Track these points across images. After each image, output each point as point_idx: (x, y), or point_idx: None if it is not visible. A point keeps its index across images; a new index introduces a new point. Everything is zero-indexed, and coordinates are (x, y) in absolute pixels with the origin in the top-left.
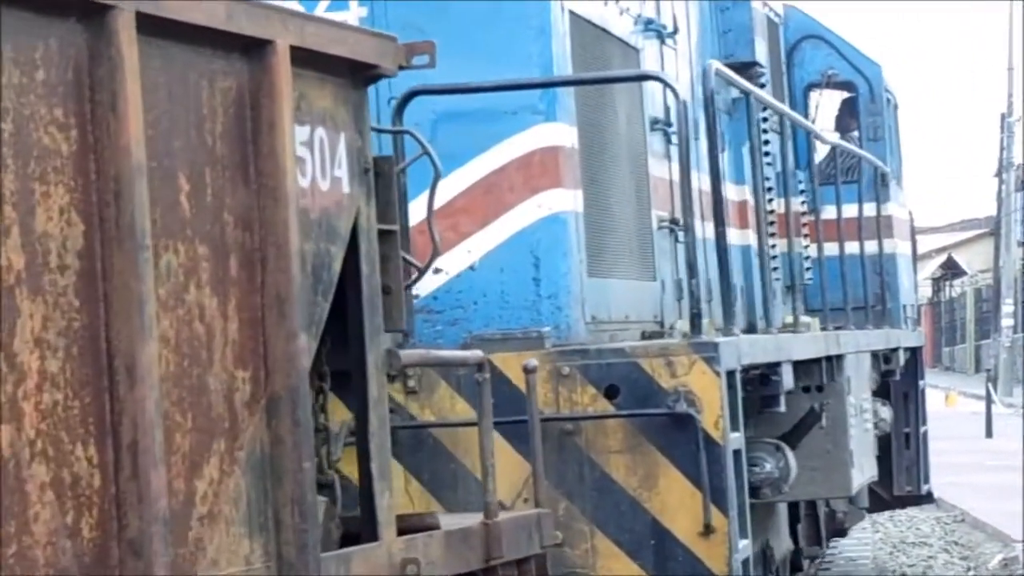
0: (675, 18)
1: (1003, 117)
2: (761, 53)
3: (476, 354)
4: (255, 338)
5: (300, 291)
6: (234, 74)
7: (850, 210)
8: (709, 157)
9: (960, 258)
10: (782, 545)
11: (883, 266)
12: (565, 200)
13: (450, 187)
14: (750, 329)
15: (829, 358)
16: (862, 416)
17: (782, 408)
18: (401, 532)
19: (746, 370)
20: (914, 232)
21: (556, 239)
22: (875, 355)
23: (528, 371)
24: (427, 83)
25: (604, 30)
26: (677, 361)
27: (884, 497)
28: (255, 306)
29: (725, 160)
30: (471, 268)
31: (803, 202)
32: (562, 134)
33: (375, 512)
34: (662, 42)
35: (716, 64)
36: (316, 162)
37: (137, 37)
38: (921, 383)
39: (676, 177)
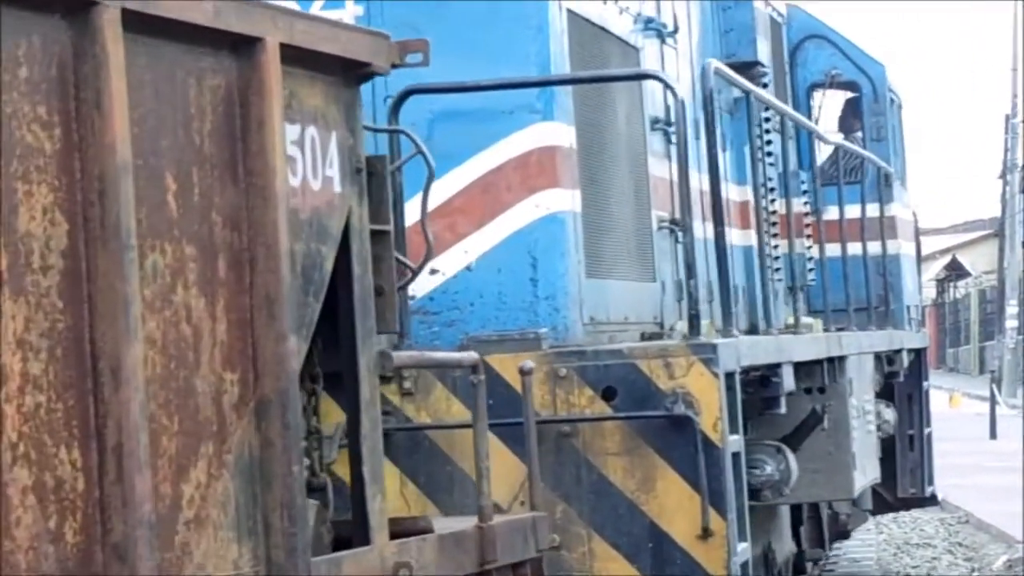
0: (675, 17)
1: (1007, 119)
2: (763, 53)
3: (471, 356)
4: (244, 340)
5: (290, 292)
6: (223, 72)
7: (853, 211)
8: (708, 157)
9: (964, 259)
10: (784, 548)
11: (886, 267)
12: (563, 200)
13: (447, 187)
14: (752, 330)
15: (831, 359)
16: (865, 418)
17: (782, 410)
18: (394, 536)
19: (746, 371)
20: (918, 233)
21: (554, 239)
22: (878, 356)
23: (524, 373)
24: (424, 82)
25: (603, 29)
26: (675, 362)
27: (888, 499)
28: (244, 307)
29: (727, 160)
30: (468, 269)
31: (806, 203)
32: (560, 133)
33: (367, 516)
34: (662, 41)
35: (715, 63)
36: (307, 161)
37: (123, 34)
38: (925, 384)
39: (676, 177)
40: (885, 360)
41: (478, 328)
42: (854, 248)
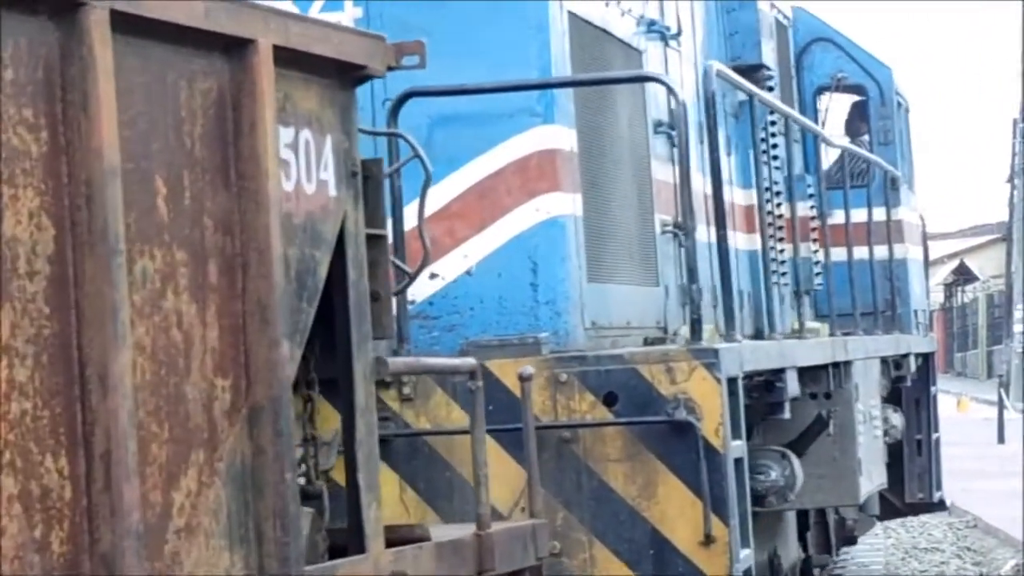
0: (679, 20)
1: (1015, 123)
2: (769, 55)
3: (468, 362)
4: (236, 346)
5: (283, 297)
6: (215, 74)
7: (860, 214)
8: (710, 160)
9: (972, 264)
10: (790, 554)
11: (893, 271)
12: (564, 204)
13: (446, 191)
14: (758, 335)
15: (836, 364)
16: (871, 423)
17: (786, 415)
18: (391, 544)
19: (749, 377)
20: (926, 237)
21: (554, 244)
22: (885, 361)
23: (523, 379)
24: (423, 85)
25: (605, 31)
26: (677, 367)
27: (896, 504)
28: (236, 313)
29: (732, 164)
30: (468, 273)
31: (812, 206)
32: (560, 137)
33: (362, 523)
34: (666, 44)
35: (717, 65)
36: (301, 165)
37: (112, 36)
38: (933, 389)
39: (678, 180)
40: (892, 365)
41: (478, 333)
42: (861, 252)
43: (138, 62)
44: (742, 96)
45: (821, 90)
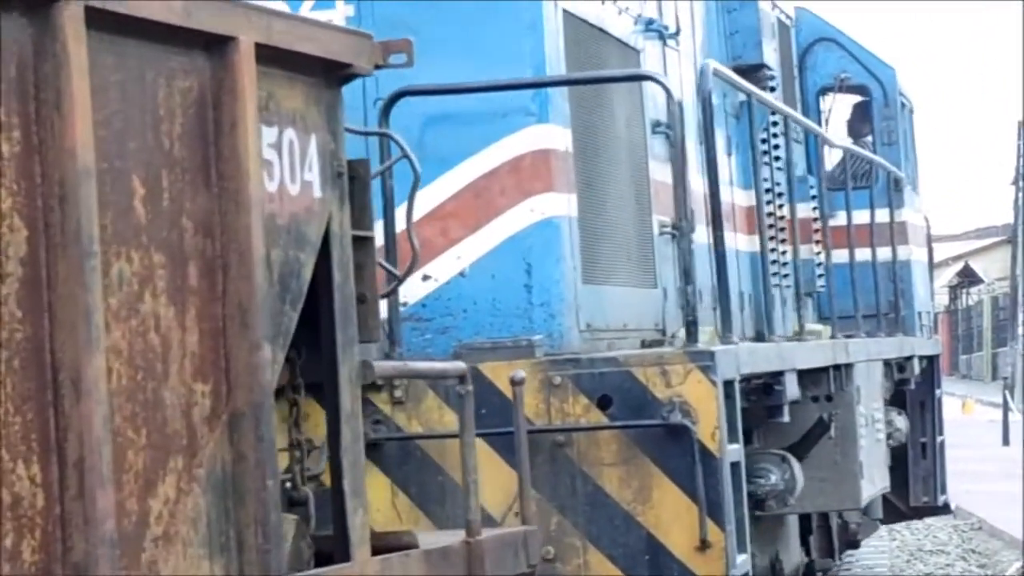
0: (678, 19)
1: (1020, 125)
2: (770, 55)
3: (457, 365)
4: (216, 350)
5: (264, 300)
6: (195, 72)
7: (863, 216)
8: (707, 160)
9: (977, 266)
10: (792, 558)
11: (897, 273)
12: (558, 204)
13: (439, 191)
14: (760, 337)
15: (838, 367)
16: (873, 426)
17: (785, 418)
18: (379, 551)
19: (748, 379)
20: (930, 239)
21: (549, 245)
22: (888, 364)
23: (515, 383)
24: (416, 84)
25: (601, 30)
26: (672, 370)
27: (900, 508)
28: (216, 316)
29: (733, 165)
30: (461, 275)
31: (814, 208)
32: (555, 136)
33: (347, 530)
34: (664, 43)
35: (714, 64)
36: (285, 165)
37: (87, 33)
38: (938, 392)
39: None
40: (896, 367)
41: (472, 335)
42: (864, 254)
43: (114, 59)
44: (743, 96)
45: (824, 90)
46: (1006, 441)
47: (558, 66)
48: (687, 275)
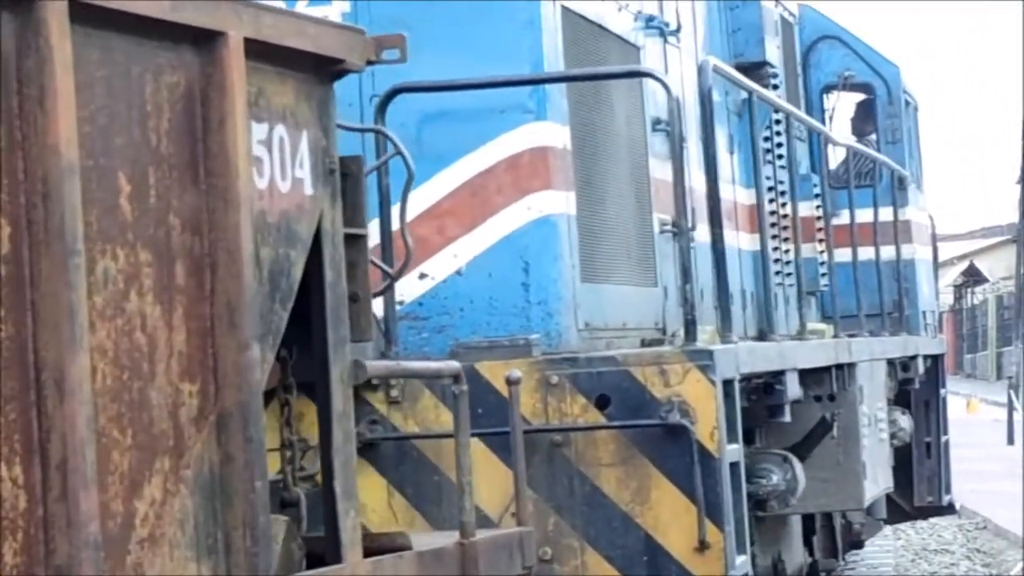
0: (679, 15)
1: None
2: (772, 53)
3: (452, 365)
4: (204, 349)
5: (253, 299)
6: (183, 68)
7: (867, 214)
8: (705, 157)
9: (982, 265)
10: (795, 558)
11: (901, 271)
12: (556, 202)
13: (436, 189)
14: (762, 336)
15: (840, 366)
16: (876, 426)
17: (787, 418)
18: (372, 553)
19: (748, 379)
20: (935, 238)
21: (546, 243)
22: (892, 363)
23: (511, 383)
24: (413, 81)
25: (600, 26)
26: (670, 370)
27: (905, 508)
28: (204, 315)
29: (736, 163)
30: (458, 273)
31: (818, 206)
32: (553, 133)
33: (339, 532)
34: (665, 40)
35: (713, 60)
36: (275, 162)
37: (72, 28)
38: (942, 391)
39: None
40: (899, 367)
41: (469, 334)
42: (868, 252)
43: (99, 54)
44: (746, 94)
45: (828, 88)
46: (1011, 440)
47: (556, 63)
48: (686, 273)
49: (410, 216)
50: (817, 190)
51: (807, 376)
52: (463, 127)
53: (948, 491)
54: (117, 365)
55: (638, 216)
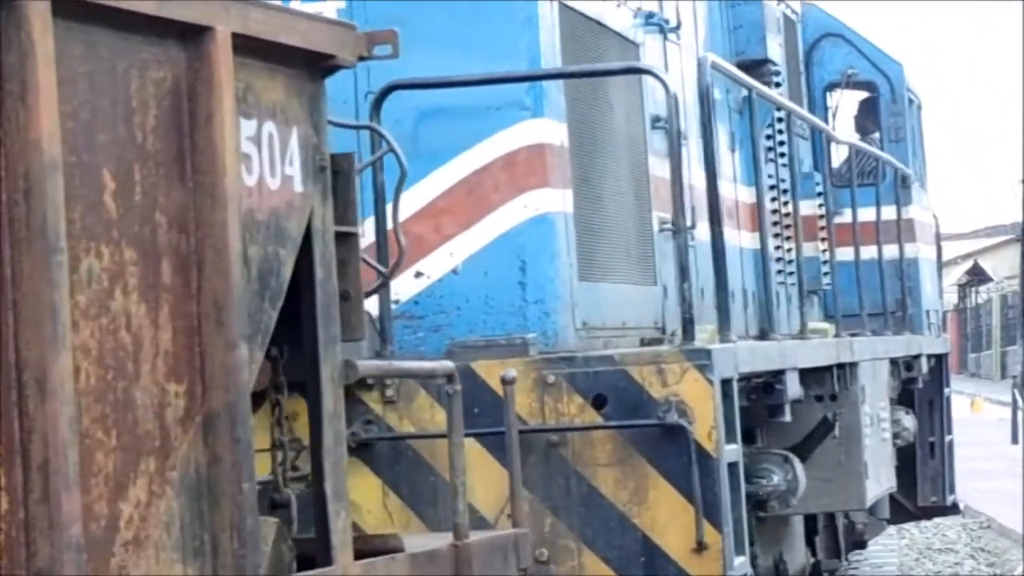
0: (679, 12)
1: None
2: (774, 51)
3: (445, 365)
4: (190, 349)
5: (241, 298)
6: (169, 63)
7: (870, 213)
8: (704, 155)
9: (986, 264)
10: (796, 559)
11: (904, 271)
12: (553, 200)
13: (432, 187)
14: (764, 336)
15: (842, 366)
16: (879, 425)
17: (787, 418)
18: (364, 555)
19: (747, 378)
20: (939, 237)
21: (543, 241)
22: (895, 362)
23: (506, 382)
24: (409, 77)
25: (599, 23)
26: (668, 369)
27: (909, 508)
28: (191, 314)
29: (737, 161)
30: (454, 272)
31: (820, 204)
32: (550, 131)
33: (329, 534)
34: (664, 37)
35: (712, 57)
36: (264, 159)
37: (55, 22)
38: (946, 391)
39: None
40: (903, 366)
41: (465, 333)
42: (871, 251)
43: (83, 49)
44: (747, 92)
45: (831, 87)
46: (1015, 439)
47: (554, 60)
48: (683, 272)
49: (406, 214)
50: (820, 188)
51: (808, 375)
52: (459, 124)
53: (952, 491)
54: (101, 365)
55: (637, 214)
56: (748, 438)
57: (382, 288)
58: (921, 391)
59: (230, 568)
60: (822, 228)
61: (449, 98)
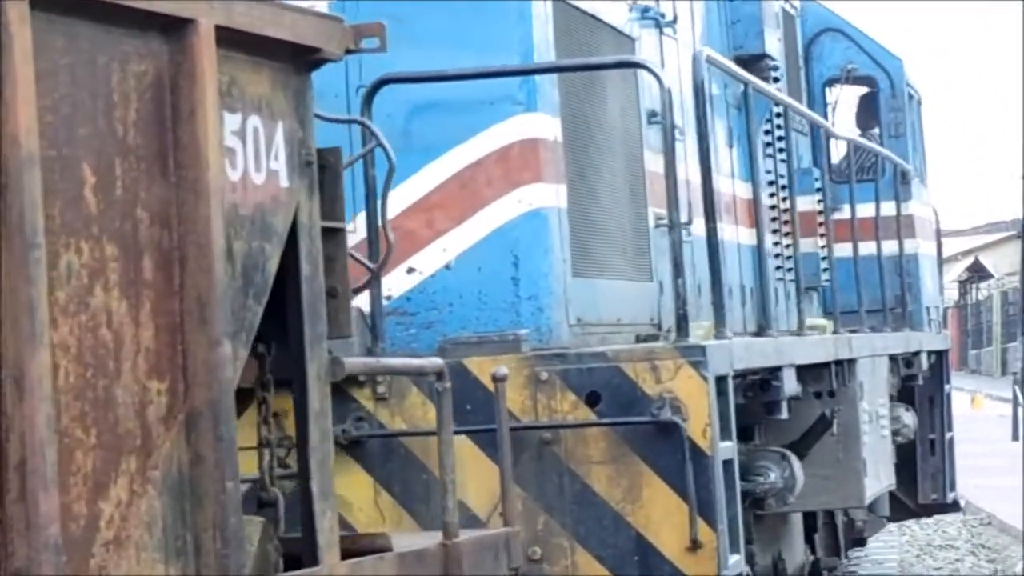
0: (675, 6)
1: None
2: (773, 45)
3: (434, 362)
4: (173, 346)
5: (225, 294)
6: (151, 56)
7: (869, 209)
8: (699, 150)
9: (986, 261)
10: (795, 556)
11: (903, 267)
12: (547, 195)
13: (424, 181)
14: (761, 332)
15: (840, 362)
16: (878, 423)
17: (784, 415)
18: (352, 554)
19: (743, 375)
20: (939, 233)
21: (537, 236)
22: (894, 359)
23: (497, 379)
24: (400, 72)
25: (594, 17)
26: (662, 366)
27: (909, 505)
28: (173, 311)
29: (735, 156)
30: (446, 267)
31: (820, 200)
32: (543, 125)
33: (315, 533)
34: (661, 31)
35: (707, 51)
36: (249, 153)
37: (33, 14)
38: (947, 387)
39: (681, 172)
40: (902, 363)
41: (457, 330)
42: (870, 247)
43: (62, 42)
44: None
45: (830, 82)
46: (1015, 436)
47: (547, 54)
48: (677, 268)
49: (398, 209)
50: (819, 184)
51: (806, 372)
52: (452, 119)
53: (953, 488)
54: (81, 362)
55: (632, 210)
56: (746, 435)
57: (371, 284)
58: (921, 388)
59: (213, 568)
60: (821, 224)
61: (441, 92)
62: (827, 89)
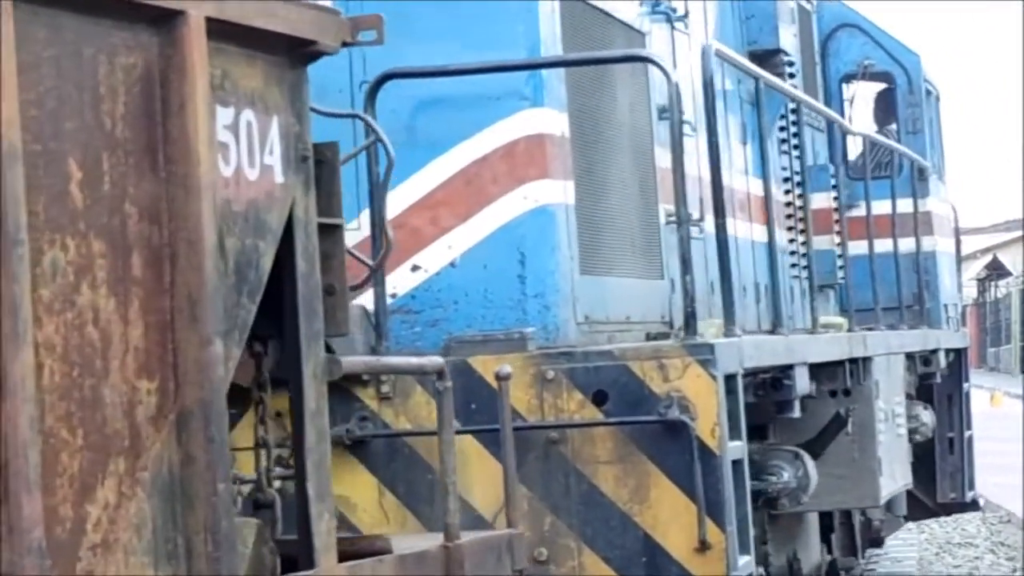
0: (687, 1)
1: None
2: (788, 41)
3: (435, 361)
4: (163, 345)
5: (216, 292)
6: (140, 49)
7: (885, 206)
8: (708, 145)
9: (1005, 259)
10: (811, 557)
11: (921, 264)
12: (554, 192)
13: (429, 178)
14: (775, 330)
15: (855, 360)
16: (894, 421)
17: (796, 413)
18: (351, 557)
19: (754, 373)
20: (958, 231)
21: (543, 234)
22: (911, 357)
23: (501, 378)
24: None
25: (602, 11)
26: (670, 364)
27: (928, 504)
28: (163, 309)
29: (748, 152)
30: (452, 265)
31: (835, 197)
32: (550, 121)
33: (312, 536)
34: (672, 26)
35: (716, 45)
36: (242, 148)
37: (16, 5)
38: (966, 386)
39: (688, 170)
40: (920, 361)
41: (463, 328)
42: (887, 245)
43: (47, 34)
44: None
45: (847, 78)
46: None
47: (554, 49)
48: (685, 265)
49: (403, 206)
50: (835, 181)
51: (821, 371)
52: (457, 114)
53: (972, 487)
54: (66, 361)
55: (642, 206)
56: (760, 434)
57: (375, 282)
58: (939, 386)
59: (205, 571)
60: (837, 221)
61: (447, 88)
62: (844, 85)
